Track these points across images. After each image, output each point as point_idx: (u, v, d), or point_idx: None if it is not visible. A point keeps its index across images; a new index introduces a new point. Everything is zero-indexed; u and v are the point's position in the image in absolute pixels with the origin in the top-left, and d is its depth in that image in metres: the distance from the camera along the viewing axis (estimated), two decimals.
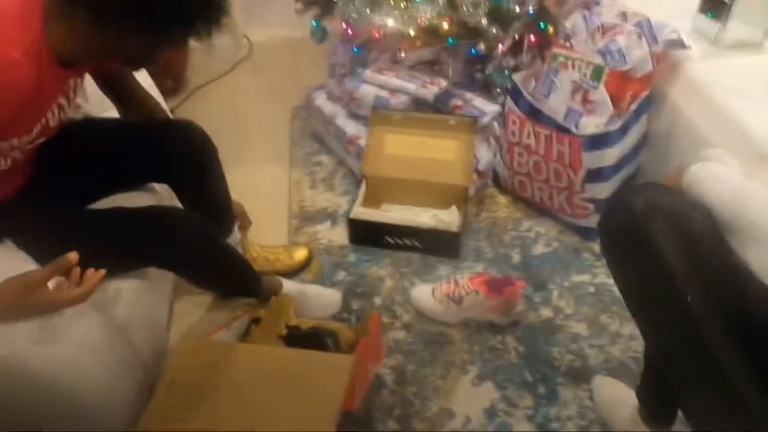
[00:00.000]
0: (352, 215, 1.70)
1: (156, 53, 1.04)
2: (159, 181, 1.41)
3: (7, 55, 0.85)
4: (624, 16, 1.59)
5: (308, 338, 1.26)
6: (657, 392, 1.10)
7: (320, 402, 1.06)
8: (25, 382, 0.98)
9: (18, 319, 0.96)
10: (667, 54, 1.56)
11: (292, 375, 1.12)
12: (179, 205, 1.38)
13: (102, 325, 1.11)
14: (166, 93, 1.74)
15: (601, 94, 1.51)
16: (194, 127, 1.32)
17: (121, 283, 1.24)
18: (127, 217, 1.17)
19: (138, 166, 1.29)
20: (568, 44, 1.59)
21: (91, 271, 0.98)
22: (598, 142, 1.52)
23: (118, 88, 1.27)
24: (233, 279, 1.35)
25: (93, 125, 1.30)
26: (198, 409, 1.08)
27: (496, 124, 1.91)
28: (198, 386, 1.12)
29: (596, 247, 1.71)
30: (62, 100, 1.04)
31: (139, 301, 1.29)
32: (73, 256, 0.94)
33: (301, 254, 1.64)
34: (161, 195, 1.43)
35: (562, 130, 1.55)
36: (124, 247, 1.16)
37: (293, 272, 1.62)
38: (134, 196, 1.35)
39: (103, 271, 0.99)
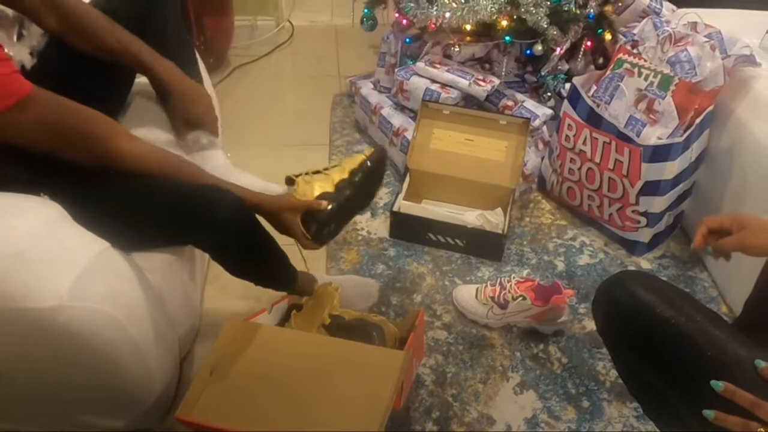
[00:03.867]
0: (395, 208, 1.65)
1: None
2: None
3: None
4: (694, 26, 1.55)
5: (353, 329, 1.22)
6: None
7: (369, 398, 1.01)
8: (63, 335, 0.94)
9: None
10: (736, 69, 1.51)
11: (340, 367, 1.07)
12: None
13: (142, 289, 1.06)
14: (207, 69, 1.70)
15: (667, 104, 1.46)
16: None
17: (160, 254, 1.20)
18: (164, 194, 1.09)
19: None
20: (635, 51, 1.54)
21: None
22: (660, 153, 1.47)
23: None
24: (268, 269, 1.29)
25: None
26: (241, 399, 1.04)
27: (545, 128, 1.87)
28: (241, 372, 1.07)
29: (642, 262, 1.66)
30: None
31: (176, 274, 1.25)
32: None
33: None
34: None
35: (623, 138, 1.50)
36: (160, 225, 1.11)
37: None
38: None
39: None
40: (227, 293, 1.53)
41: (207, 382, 1.06)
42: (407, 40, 1.94)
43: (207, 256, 1.48)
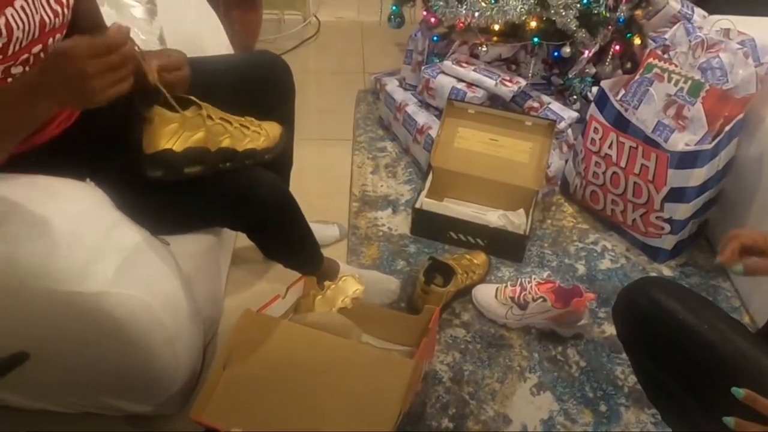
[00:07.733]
0: (417, 205, 1.66)
1: None
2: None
3: None
4: (727, 33, 1.53)
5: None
6: None
7: (377, 406, 1.02)
8: (103, 320, 0.96)
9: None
10: None
11: (350, 370, 1.07)
12: None
13: (177, 279, 1.08)
14: None
15: (697, 110, 1.45)
16: (279, 57, 1.33)
17: (188, 242, 1.21)
18: (206, 175, 1.13)
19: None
20: (666, 56, 1.53)
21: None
22: (687, 160, 1.46)
23: None
24: (300, 251, 1.32)
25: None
26: (251, 400, 1.05)
27: (570, 131, 1.86)
28: (253, 370, 1.08)
29: (664, 269, 1.65)
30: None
31: (205, 261, 1.27)
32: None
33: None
34: None
35: (650, 143, 1.49)
36: (203, 206, 1.13)
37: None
38: None
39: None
40: (249, 283, 1.55)
41: (219, 380, 1.07)
42: (435, 38, 1.94)
43: (233, 244, 1.50)
